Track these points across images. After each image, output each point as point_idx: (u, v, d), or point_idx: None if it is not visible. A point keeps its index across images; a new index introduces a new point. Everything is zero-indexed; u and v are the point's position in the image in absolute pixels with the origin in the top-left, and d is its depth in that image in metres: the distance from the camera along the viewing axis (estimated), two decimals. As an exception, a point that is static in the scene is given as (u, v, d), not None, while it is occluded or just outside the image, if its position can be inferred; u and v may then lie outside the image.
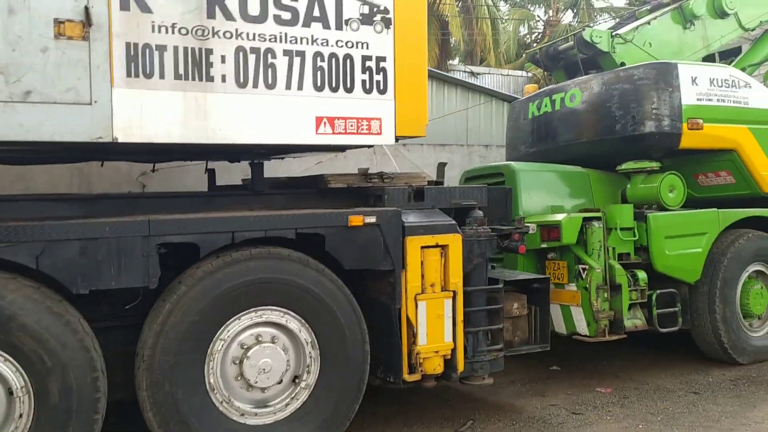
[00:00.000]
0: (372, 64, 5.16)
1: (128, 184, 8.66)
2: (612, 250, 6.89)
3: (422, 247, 5.37)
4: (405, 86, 5.29)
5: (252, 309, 4.86)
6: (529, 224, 6.15)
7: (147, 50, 4.42)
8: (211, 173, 5.90)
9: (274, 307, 4.93)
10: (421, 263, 5.37)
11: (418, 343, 5.35)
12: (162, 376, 4.56)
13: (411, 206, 5.64)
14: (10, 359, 4.10)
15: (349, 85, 5.09)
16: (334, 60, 5.02)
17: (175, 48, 4.51)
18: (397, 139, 5.31)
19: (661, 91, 7.30)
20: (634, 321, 6.90)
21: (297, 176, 6.78)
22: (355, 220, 5.11)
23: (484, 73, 16.52)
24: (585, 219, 6.85)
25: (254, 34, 4.75)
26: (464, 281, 5.62)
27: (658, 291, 7.05)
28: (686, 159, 7.94)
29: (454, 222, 5.57)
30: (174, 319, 4.59)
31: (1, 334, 4.05)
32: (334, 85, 5.03)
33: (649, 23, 8.80)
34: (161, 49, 4.47)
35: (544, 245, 6.90)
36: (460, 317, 5.51)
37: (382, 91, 5.21)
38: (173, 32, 4.49)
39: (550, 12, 30.03)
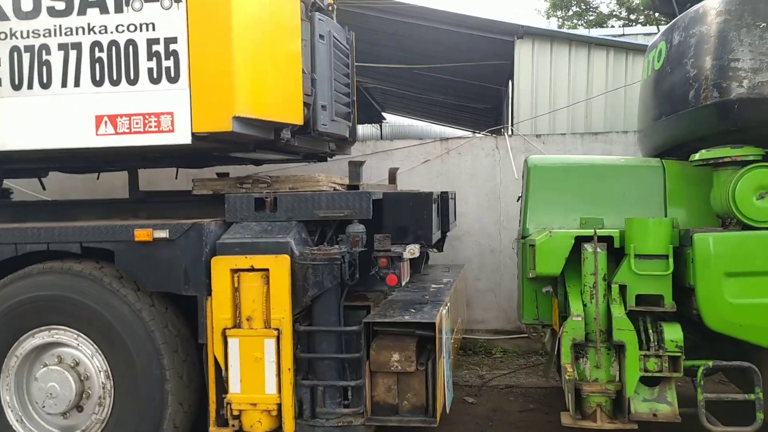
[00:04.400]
0: (160, 48, 4.28)
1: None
2: (621, 288, 4.42)
3: (234, 271, 4.27)
4: (204, 71, 4.25)
5: (45, 327, 4.53)
6: (405, 246, 4.33)
7: (-71, 62, 4.48)
8: (133, 178, 5.64)
9: (66, 328, 4.51)
10: (235, 290, 4.28)
11: (229, 389, 4.29)
12: (-39, 385, 4.59)
13: (260, 217, 4.55)
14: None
15: (132, 77, 4.32)
16: (114, 48, 4.33)
17: (-45, 57, 4.47)
18: (194, 137, 4.30)
19: (746, 31, 4.38)
20: (654, 405, 4.30)
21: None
22: (142, 235, 4.34)
23: (637, 34, 12.07)
24: (580, 239, 4.55)
25: (28, 32, 4.41)
26: (303, 318, 4.31)
27: (712, 363, 4.26)
28: None
29: (284, 240, 4.30)
30: (-30, 332, 4.58)
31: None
32: (115, 77, 4.34)
33: None
34: (-58, 59, 4.48)
35: (530, 275, 4.81)
36: (287, 363, 4.23)
37: (173, 80, 4.29)
38: (-48, 41, 4.46)
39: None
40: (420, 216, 4.60)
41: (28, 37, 4.41)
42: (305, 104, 5.07)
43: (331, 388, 4.30)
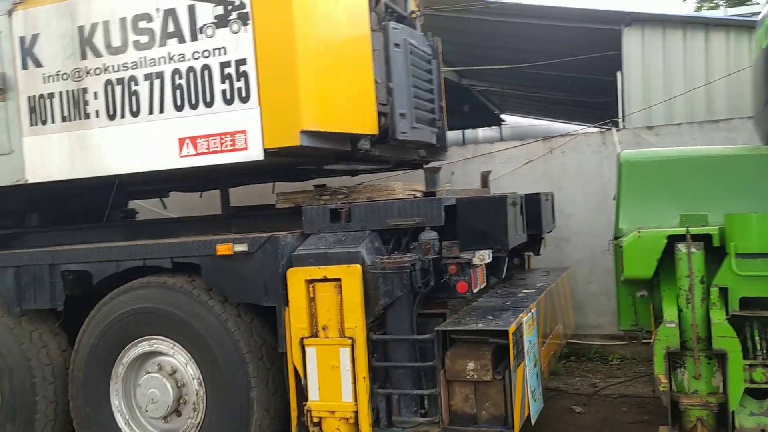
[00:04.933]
0: (231, 70, 4.47)
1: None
2: (722, 291, 4.01)
3: (309, 281, 4.37)
4: (272, 89, 4.39)
5: (146, 337, 4.86)
6: (475, 252, 4.17)
7: (41, 100, 4.98)
8: (224, 195, 5.96)
9: (163, 338, 4.81)
10: (310, 300, 4.37)
11: (308, 397, 4.38)
12: (76, 391, 5.02)
13: (336, 228, 4.63)
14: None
15: (208, 99, 4.54)
16: (192, 75, 4.58)
17: (60, 93, 4.93)
18: (267, 152, 4.43)
19: None
20: (763, 420, 3.86)
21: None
22: (223, 249, 4.54)
23: None
24: (674, 238, 4.20)
25: (118, 65, 4.76)
26: (378, 326, 4.31)
27: (832, 373, 3.76)
28: None
29: (355, 249, 4.34)
30: (85, 340, 5.01)
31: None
32: (193, 101, 4.58)
33: None
34: (50, 96, 4.96)
35: (622, 279, 4.52)
36: (362, 372, 4.26)
37: (245, 99, 4.45)
38: (58, 79, 4.93)
39: None
40: (494, 220, 4.46)
41: (118, 70, 4.77)
42: (381, 113, 5.10)
43: (406, 397, 4.26)
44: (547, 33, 10.18)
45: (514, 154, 8.36)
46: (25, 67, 5.01)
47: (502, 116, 21.97)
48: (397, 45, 5.32)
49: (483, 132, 23.11)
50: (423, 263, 4.26)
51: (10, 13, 5.02)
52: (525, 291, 5.42)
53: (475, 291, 4.24)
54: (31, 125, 5.02)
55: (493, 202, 4.52)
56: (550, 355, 5.44)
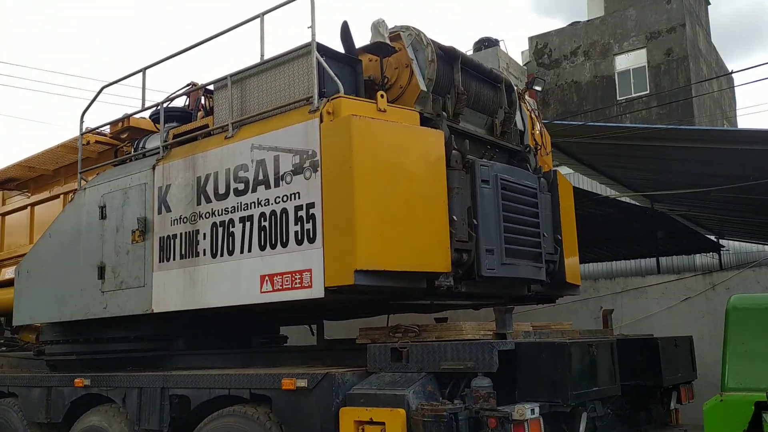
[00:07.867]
0: (303, 213, 4.78)
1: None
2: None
3: (358, 422, 4.31)
4: (333, 230, 4.59)
5: (231, 464, 5.07)
6: (516, 407, 3.71)
7: (168, 240, 5.73)
8: (319, 327, 6.18)
9: (243, 467, 4.98)
10: (361, 443, 4.29)
11: None
12: None
13: (396, 368, 4.57)
14: None
15: (284, 240, 4.87)
16: (273, 217, 4.97)
17: (181, 234, 5.63)
18: (327, 290, 4.56)
19: None
20: None
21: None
22: (288, 384, 4.68)
23: None
24: (761, 405, 3.46)
25: (221, 210, 5.34)
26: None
27: None
28: None
29: (402, 392, 4.22)
30: (183, 463, 5.38)
31: None
32: (273, 241, 4.94)
33: None
34: (174, 237, 5.68)
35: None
36: None
37: (312, 240, 4.70)
38: (180, 222, 5.65)
39: None
40: (553, 369, 4.04)
41: (221, 214, 5.35)
42: (461, 250, 5.03)
43: None
44: (730, 157, 9.38)
45: (669, 289, 7.55)
46: (160, 212, 5.83)
47: (722, 242, 19.93)
48: (485, 182, 5.29)
49: (700, 258, 21.15)
50: (470, 412, 3.97)
51: (153, 167, 5.95)
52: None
53: (517, 450, 3.82)
54: (159, 262, 5.76)
55: (554, 350, 4.12)
56: None
